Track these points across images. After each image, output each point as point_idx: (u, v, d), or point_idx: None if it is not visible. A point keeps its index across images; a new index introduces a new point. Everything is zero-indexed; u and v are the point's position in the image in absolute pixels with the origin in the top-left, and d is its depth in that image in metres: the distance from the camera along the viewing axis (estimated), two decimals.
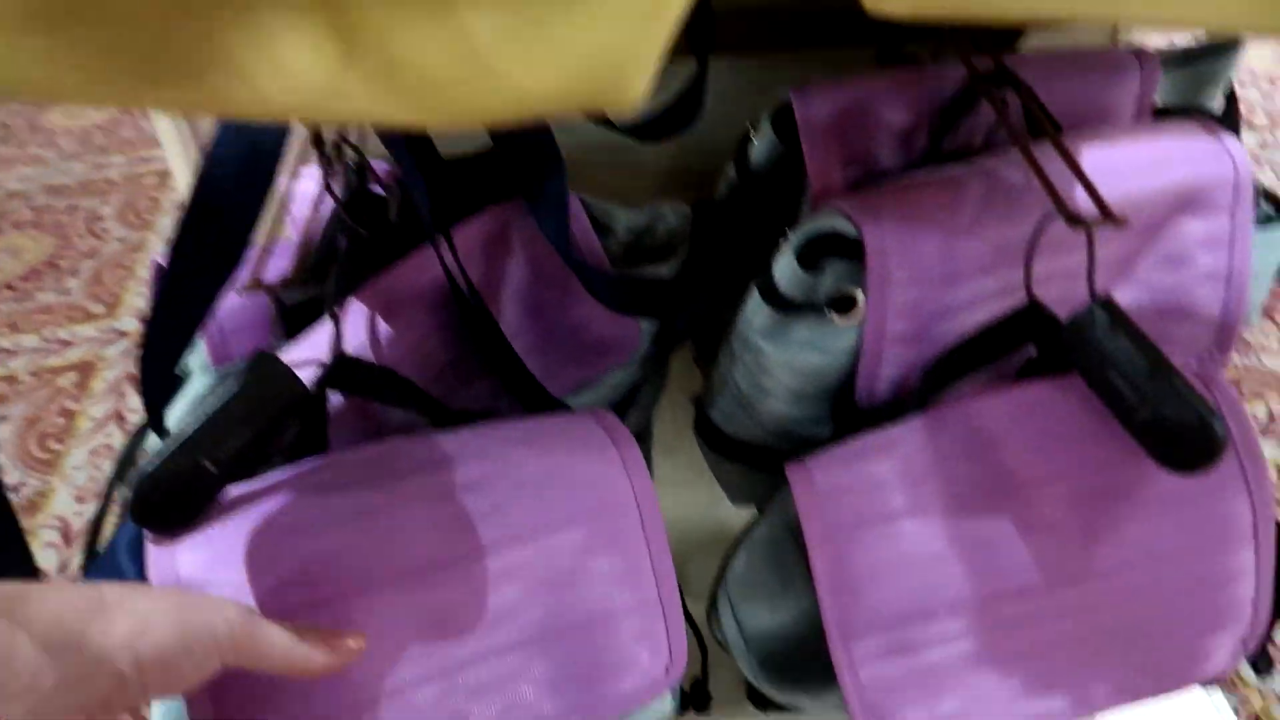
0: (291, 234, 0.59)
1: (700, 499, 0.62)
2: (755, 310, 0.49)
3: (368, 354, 0.48)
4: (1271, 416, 1.14)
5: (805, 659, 0.52)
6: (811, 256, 0.47)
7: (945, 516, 0.47)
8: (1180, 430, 0.41)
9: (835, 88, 0.51)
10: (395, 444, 0.46)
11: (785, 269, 0.47)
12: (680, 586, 0.46)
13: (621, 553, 0.44)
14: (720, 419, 0.59)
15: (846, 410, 0.51)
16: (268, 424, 0.41)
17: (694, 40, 0.52)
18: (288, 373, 0.42)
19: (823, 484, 0.47)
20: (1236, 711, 0.84)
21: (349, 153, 0.51)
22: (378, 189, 0.53)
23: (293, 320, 0.53)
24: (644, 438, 0.62)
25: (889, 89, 0.51)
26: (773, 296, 0.47)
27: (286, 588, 0.40)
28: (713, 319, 0.56)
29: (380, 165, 0.57)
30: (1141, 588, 0.46)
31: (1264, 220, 0.51)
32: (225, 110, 0.21)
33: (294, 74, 0.20)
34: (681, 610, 0.45)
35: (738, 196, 0.58)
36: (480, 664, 0.42)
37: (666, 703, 0.49)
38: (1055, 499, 0.46)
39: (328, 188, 0.50)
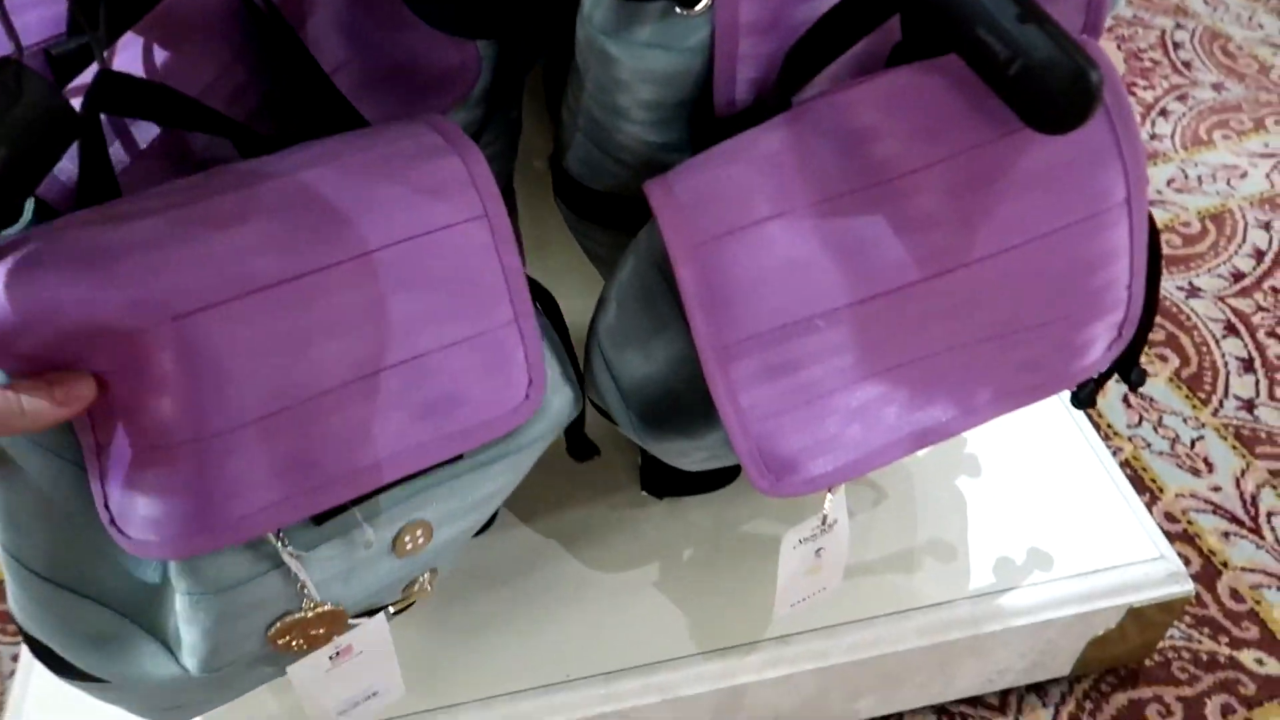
0: None
1: (579, 304, 0.59)
2: (595, 2, 0.44)
3: None
4: None
5: (683, 401, 0.50)
6: None
7: (817, 217, 0.44)
8: (1054, 80, 0.38)
9: None
10: (203, 173, 0.40)
11: None
12: None
13: (470, 267, 0.39)
14: (577, 167, 0.54)
15: (706, 125, 0.47)
16: (22, 143, 0.34)
17: None
18: (37, 79, 0.35)
19: (683, 194, 0.44)
20: None
21: None
22: None
23: (65, 74, 0.45)
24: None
25: None
26: None
27: (89, 323, 0.34)
28: (557, 47, 0.51)
29: None
30: (1019, 273, 0.45)
31: None
32: None
33: None
34: (538, 330, 0.42)
35: None
36: (339, 392, 0.38)
37: (569, 401, 0.46)
38: (929, 187, 0.43)
39: None
